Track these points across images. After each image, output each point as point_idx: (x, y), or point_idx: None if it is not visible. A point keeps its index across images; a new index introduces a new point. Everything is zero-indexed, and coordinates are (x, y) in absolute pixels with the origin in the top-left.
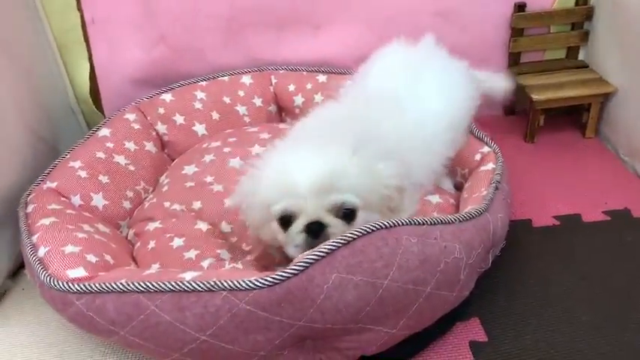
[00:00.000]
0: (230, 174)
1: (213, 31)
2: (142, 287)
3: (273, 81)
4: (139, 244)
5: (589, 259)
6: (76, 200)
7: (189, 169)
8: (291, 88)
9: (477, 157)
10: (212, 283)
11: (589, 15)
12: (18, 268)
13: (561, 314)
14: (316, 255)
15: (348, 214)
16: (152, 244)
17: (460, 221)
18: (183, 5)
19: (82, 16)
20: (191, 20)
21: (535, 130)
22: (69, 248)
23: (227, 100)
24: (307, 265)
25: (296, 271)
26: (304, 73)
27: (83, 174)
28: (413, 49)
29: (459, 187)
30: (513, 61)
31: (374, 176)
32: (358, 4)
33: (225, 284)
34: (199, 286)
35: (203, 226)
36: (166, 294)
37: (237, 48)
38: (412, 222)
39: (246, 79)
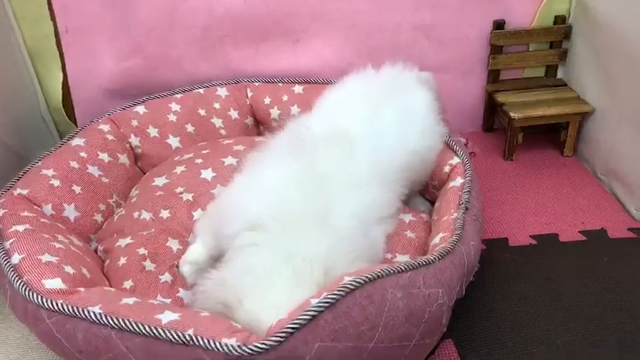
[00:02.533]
0: (200, 185)
1: (190, 43)
2: (116, 324)
3: (249, 93)
4: (108, 260)
5: (565, 279)
6: (48, 209)
7: (160, 181)
8: (267, 100)
9: (446, 169)
10: (187, 337)
11: (567, 33)
12: None
13: (536, 337)
14: (299, 322)
15: None
16: (123, 260)
17: (438, 260)
18: (160, 16)
19: (55, 26)
20: (167, 31)
21: (514, 148)
22: (46, 257)
23: (202, 112)
24: (288, 334)
25: (278, 341)
26: (280, 84)
27: (56, 183)
28: (376, 79)
29: (433, 200)
30: (493, 78)
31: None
32: (338, 18)
33: (202, 342)
34: (174, 337)
35: (174, 244)
36: (139, 337)
37: (215, 60)
38: (395, 270)
39: (222, 92)
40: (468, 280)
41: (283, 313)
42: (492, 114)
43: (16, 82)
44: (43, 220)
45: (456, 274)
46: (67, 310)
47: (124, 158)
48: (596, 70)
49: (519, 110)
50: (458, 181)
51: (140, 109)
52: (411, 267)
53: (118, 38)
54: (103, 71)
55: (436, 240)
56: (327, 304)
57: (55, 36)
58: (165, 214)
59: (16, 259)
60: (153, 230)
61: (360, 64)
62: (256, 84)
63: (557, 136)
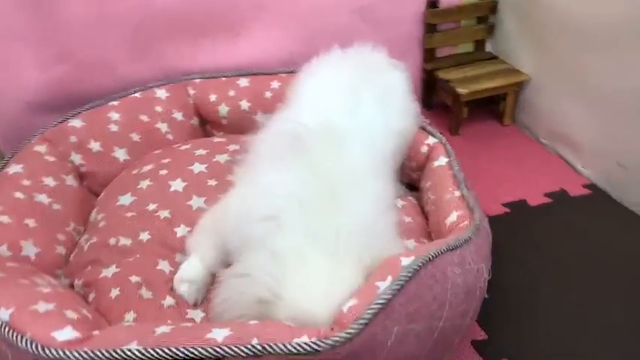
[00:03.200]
0: (174, 198)
1: (122, 43)
2: (169, 355)
3: (191, 92)
4: (93, 295)
5: (546, 239)
6: (3, 251)
7: (125, 200)
8: (213, 97)
9: (424, 149)
10: (259, 348)
11: (493, 8)
12: None
13: (524, 288)
14: (375, 308)
15: None
16: (116, 291)
17: (474, 236)
18: (88, 16)
19: None
20: (96, 31)
21: (460, 123)
22: (41, 306)
23: (145, 118)
24: (368, 320)
25: (358, 330)
26: (223, 79)
27: (5, 219)
28: (348, 64)
29: (410, 182)
30: (429, 57)
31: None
32: (276, 8)
33: (275, 348)
34: (243, 351)
35: (165, 267)
36: None
37: (150, 60)
38: (447, 248)
39: (161, 94)
40: None
41: (329, 295)
42: (431, 92)
43: None
44: (10, 264)
45: (489, 248)
46: (100, 356)
47: (70, 179)
48: (526, 41)
49: (465, 85)
50: (443, 160)
51: (76, 122)
52: (458, 244)
53: (40, 44)
54: (25, 83)
55: (453, 218)
56: (398, 288)
57: None
58: (145, 236)
59: (4, 314)
60: (138, 256)
61: (301, 52)
62: (196, 81)
63: (494, 106)
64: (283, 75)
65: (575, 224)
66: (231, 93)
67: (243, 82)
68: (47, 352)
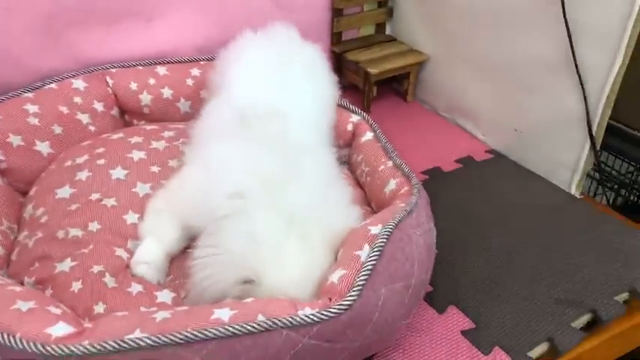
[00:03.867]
0: (117, 186)
1: (31, 32)
2: (180, 339)
3: (109, 81)
4: (50, 290)
5: (463, 199)
6: None
7: (64, 192)
8: (134, 86)
9: (349, 127)
10: (266, 322)
11: None
12: None
13: (451, 242)
14: (365, 274)
15: None
16: (78, 285)
17: (418, 198)
18: None
19: None
20: (2, 20)
21: (370, 101)
22: (20, 305)
23: (64, 109)
24: (361, 287)
25: (355, 296)
26: (140, 67)
27: None
28: (269, 45)
29: (340, 159)
30: (337, 40)
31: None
32: None
33: (283, 322)
34: (251, 328)
35: (122, 254)
36: (212, 341)
37: (63, 49)
38: (404, 212)
39: (79, 84)
40: None
41: (305, 276)
42: (339, 72)
43: None
44: None
45: (429, 209)
46: (108, 348)
47: None
48: (422, 23)
49: (374, 66)
50: (369, 135)
51: None
52: (410, 208)
53: None
54: None
55: (392, 186)
56: (379, 253)
57: None
58: (94, 226)
59: None
60: (92, 246)
61: (217, 37)
62: (114, 70)
63: (398, 85)
64: (202, 62)
65: (485, 183)
66: (152, 81)
67: (162, 70)
68: (48, 349)
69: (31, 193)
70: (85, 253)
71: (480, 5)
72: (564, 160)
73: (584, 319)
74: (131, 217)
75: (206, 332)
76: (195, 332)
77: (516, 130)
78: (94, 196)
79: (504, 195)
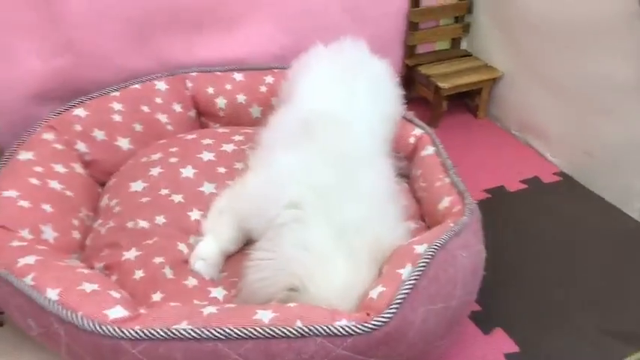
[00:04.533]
0: (186, 184)
1: (123, 36)
2: (221, 334)
3: (189, 85)
4: (115, 276)
5: (524, 220)
6: (26, 234)
7: (137, 185)
8: (211, 90)
9: (412, 140)
10: (303, 329)
11: (470, 8)
12: None
13: (508, 262)
14: (405, 292)
15: None
16: (140, 273)
17: (470, 219)
18: (90, 8)
19: None
20: (97, 23)
21: (439, 116)
22: (86, 286)
23: (145, 109)
24: (399, 305)
25: (392, 314)
26: (218, 73)
27: (25, 204)
28: (338, 59)
29: (401, 172)
30: (410, 53)
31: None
32: (268, 4)
33: (319, 330)
34: (289, 332)
35: (183, 248)
36: (250, 341)
37: (149, 52)
38: (455, 232)
39: (161, 85)
40: None
41: (348, 291)
42: (410, 86)
43: None
44: (39, 247)
45: (481, 230)
46: (157, 334)
47: (78, 168)
48: (499, 39)
49: (445, 80)
50: (430, 150)
51: (80, 111)
52: (459, 229)
53: (43, 34)
54: (27, 72)
55: (445, 204)
56: (420, 272)
57: None
58: (160, 219)
59: (52, 294)
60: (156, 238)
61: (292, 46)
62: (194, 74)
63: (470, 101)
64: (276, 71)
65: (550, 207)
66: (228, 87)
67: (238, 76)
68: (103, 329)
69: (109, 184)
70: (149, 244)
71: (557, 23)
72: (637, 187)
73: (635, 357)
74: (195, 214)
75: (245, 331)
76: (235, 330)
77: (587, 153)
78: (163, 192)
79: (569, 220)
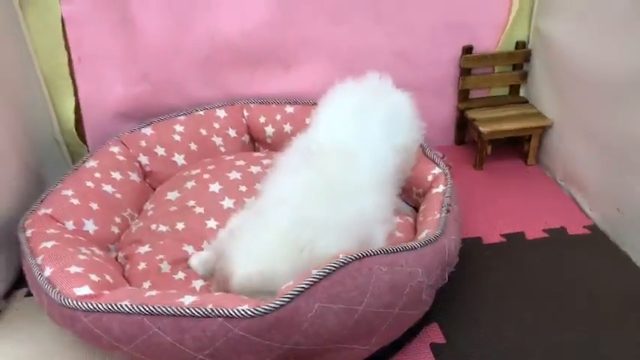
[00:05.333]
0: (210, 198)
1: (192, 69)
2: (146, 310)
3: (245, 114)
4: (128, 265)
5: (532, 270)
6: (70, 225)
7: (172, 195)
8: (262, 119)
9: (429, 178)
10: (209, 310)
11: (527, 57)
12: (10, 290)
13: (508, 317)
14: (301, 287)
15: None
16: (143, 265)
17: (421, 247)
18: (166, 44)
19: (69, 55)
20: (172, 58)
21: (483, 159)
22: (73, 268)
23: (204, 132)
24: (293, 296)
25: (284, 302)
26: (273, 105)
27: (75, 201)
28: (357, 91)
29: (416, 206)
30: (463, 97)
31: (307, 264)
32: (323, 45)
33: (221, 311)
34: (198, 312)
35: (189, 249)
36: (168, 317)
37: (214, 84)
38: (381, 252)
39: (221, 113)
40: (449, 269)
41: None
42: (463, 129)
43: (34, 107)
44: (66, 235)
45: (436, 259)
46: (101, 308)
47: (134, 176)
48: (553, 89)
49: (488, 125)
50: (440, 188)
51: (147, 130)
52: (395, 250)
53: (126, 66)
54: (112, 96)
55: (422, 235)
56: (324, 274)
57: (69, 64)
58: (180, 225)
59: (47, 272)
60: (168, 240)
61: None
62: (251, 105)
63: (521, 147)
64: None
65: (560, 259)
66: (278, 117)
67: (289, 109)
68: (67, 301)
69: (156, 191)
70: (160, 244)
71: (602, 77)
72: None
73: None
74: (211, 223)
75: (164, 309)
76: (157, 307)
77: (619, 209)
78: (190, 203)
79: (582, 276)
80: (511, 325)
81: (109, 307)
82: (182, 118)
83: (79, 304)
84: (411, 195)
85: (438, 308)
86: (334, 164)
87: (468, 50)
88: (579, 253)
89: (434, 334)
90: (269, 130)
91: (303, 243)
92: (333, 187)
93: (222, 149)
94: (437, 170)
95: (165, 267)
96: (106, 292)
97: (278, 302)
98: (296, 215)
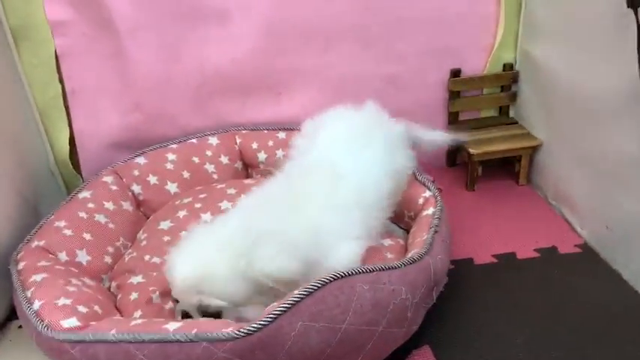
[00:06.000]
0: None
1: (184, 98)
2: (131, 338)
3: (238, 140)
4: (120, 295)
5: (523, 290)
6: (62, 256)
7: (165, 225)
8: (255, 145)
9: (420, 201)
10: (192, 335)
11: (515, 78)
12: (4, 321)
13: (499, 337)
14: (283, 307)
15: (215, 313)
16: (135, 295)
17: (405, 265)
18: (157, 75)
19: (63, 87)
20: (164, 88)
21: (474, 180)
22: (61, 301)
23: (196, 159)
24: (276, 316)
25: (267, 322)
26: (265, 131)
27: (68, 232)
28: (354, 118)
29: (408, 229)
30: (453, 119)
31: (249, 276)
32: (313, 72)
33: (204, 336)
34: (182, 337)
35: None
36: (153, 344)
37: (206, 113)
38: (364, 270)
39: (213, 140)
40: (438, 289)
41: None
42: (454, 151)
43: (28, 139)
44: (57, 267)
45: (421, 278)
46: (88, 338)
47: (127, 205)
48: (541, 109)
49: (477, 146)
50: (430, 210)
51: (140, 159)
52: (377, 269)
53: (119, 97)
54: (106, 127)
55: (409, 255)
56: (306, 293)
57: (63, 96)
58: None
59: (36, 305)
60: (161, 271)
61: None
62: (243, 132)
63: (512, 167)
64: None
65: (551, 278)
66: (270, 143)
67: (281, 135)
68: (53, 334)
69: (149, 220)
70: (152, 275)
71: (586, 97)
72: None
73: None
74: None
75: (150, 336)
76: (143, 334)
77: (608, 227)
78: (183, 233)
79: (573, 295)
80: (503, 346)
81: (95, 337)
82: (174, 146)
83: (65, 335)
84: (402, 218)
85: (429, 330)
86: (310, 182)
87: (456, 73)
88: (570, 271)
89: (425, 356)
90: (261, 155)
91: (241, 250)
92: (295, 202)
93: (215, 176)
94: (427, 193)
95: (157, 298)
96: (93, 322)
97: (261, 322)
98: (241, 224)
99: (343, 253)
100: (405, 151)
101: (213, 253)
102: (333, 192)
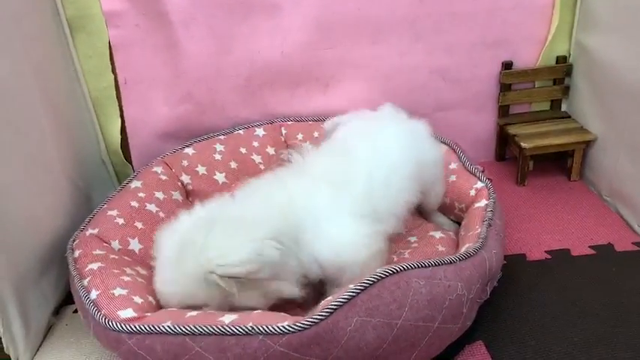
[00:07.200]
0: None
1: (234, 90)
2: (188, 330)
3: (284, 131)
4: None
5: (578, 287)
6: (116, 245)
7: None
8: (300, 136)
9: (472, 192)
10: (249, 328)
11: (569, 71)
12: (61, 305)
13: (556, 335)
14: (339, 302)
15: None
16: None
17: (460, 260)
18: (207, 66)
19: (115, 78)
20: (214, 80)
21: (525, 174)
22: (117, 291)
23: (243, 150)
24: (332, 310)
25: (323, 317)
26: (310, 122)
27: (120, 221)
28: (372, 115)
29: (459, 221)
30: (503, 113)
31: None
32: (361, 64)
33: (261, 329)
34: (238, 330)
35: None
36: (209, 337)
37: (254, 104)
38: (419, 265)
39: (260, 132)
40: (492, 284)
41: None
42: (504, 145)
43: (83, 129)
44: (112, 255)
45: (476, 273)
46: (145, 329)
47: (177, 195)
48: (595, 103)
49: (529, 140)
50: (482, 202)
51: (189, 150)
52: (433, 264)
53: (170, 88)
54: (156, 117)
55: (462, 250)
56: (362, 288)
57: (115, 87)
58: None
59: (94, 295)
60: None
61: (383, 103)
62: (289, 123)
63: (564, 163)
64: None
65: (608, 276)
66: (316, 134)
67: None
68: (111, 324)
69: None
70: None
71: None
72: None
73: None
74: None
75: (206, 328)
76: (199, 327)
77: None
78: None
79: (632, 294)
80: (559, 345)
81: (152, 328)
82: (222, 137)
83: (123, 326)
84: (453, 210)
85: (482, 326)
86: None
87: (507, 66)
88: (629, 269)
89: (479, 353)
90: (307, 146)
91: (195, 237)
92: (283, 181)
93: (262, 167)
94: (479, 184)
95: None
96: (148, 313)
97: (317, 317)
98: (204, 215)
99: (334, 232)
100: (429, 140)
101: (184, 262)
102: (332, 166)
